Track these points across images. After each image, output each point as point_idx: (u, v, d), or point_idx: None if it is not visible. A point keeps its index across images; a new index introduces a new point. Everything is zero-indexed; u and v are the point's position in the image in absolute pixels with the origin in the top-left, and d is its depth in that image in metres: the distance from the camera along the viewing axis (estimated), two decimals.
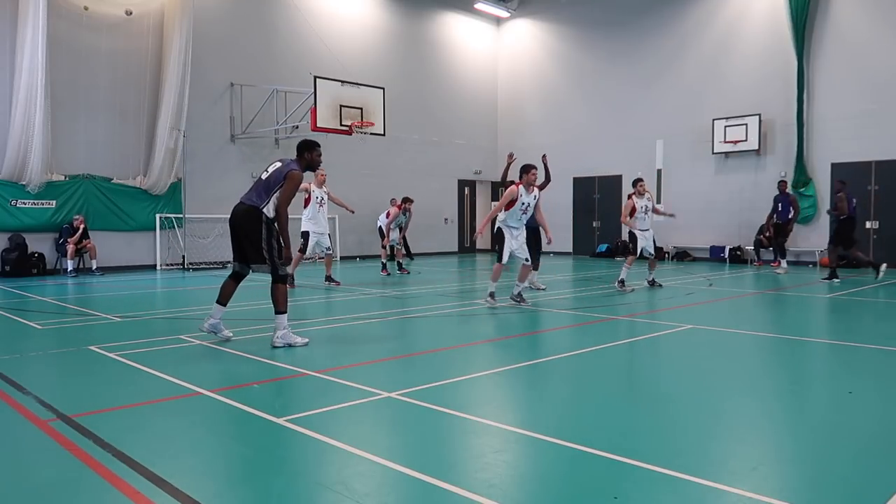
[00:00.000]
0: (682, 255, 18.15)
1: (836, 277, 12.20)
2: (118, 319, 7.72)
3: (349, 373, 5.03)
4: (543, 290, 10.62)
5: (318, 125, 14.83)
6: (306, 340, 6.07)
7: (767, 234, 15.57)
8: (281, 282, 6.01)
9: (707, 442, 3.56)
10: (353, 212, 12.84)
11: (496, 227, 8.81)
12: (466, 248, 22.18)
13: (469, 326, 7.61)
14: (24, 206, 13.48)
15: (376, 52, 19.47)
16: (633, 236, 10.97)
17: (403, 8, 20.27)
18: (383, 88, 16.20)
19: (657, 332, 6.97)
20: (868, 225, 15.42)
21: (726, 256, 17.31)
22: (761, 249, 16.23)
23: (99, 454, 3.27)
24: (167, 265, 15.17)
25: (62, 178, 13.96)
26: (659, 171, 18.75)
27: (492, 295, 8.77)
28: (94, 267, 13.72)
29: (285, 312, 6.02)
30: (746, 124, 16.82)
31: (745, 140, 16.86)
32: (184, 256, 14.86)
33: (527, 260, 8.77)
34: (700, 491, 2.86)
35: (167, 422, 3.90)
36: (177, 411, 4.12)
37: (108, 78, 14.49)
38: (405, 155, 20.02)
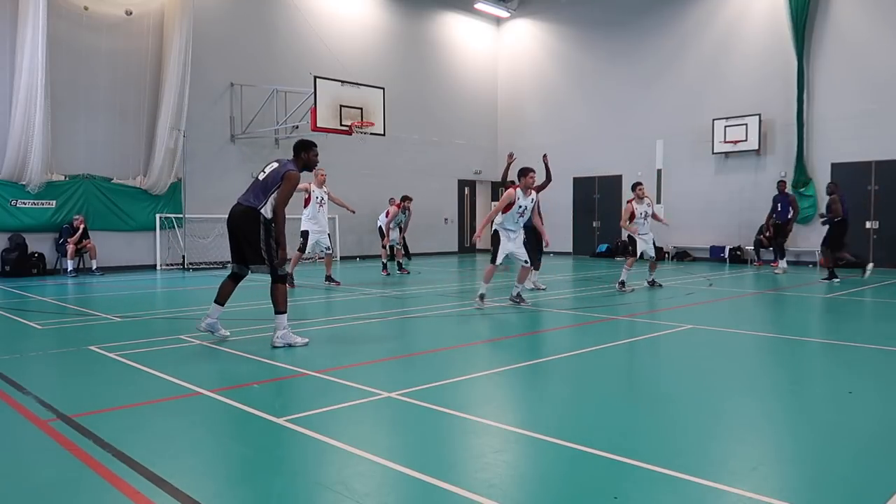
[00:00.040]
0: (682, 255, 18.15)
1: (836, 277, 12.20)
2: (118, 319, 7.72)
3: (349, 373, 5.03)
4: (544, 290, 10.63)
5: (318, 125, 14.83)
6: (306, 340, 6.07)
7: (767, 234, 15.56)
8: (280, 282, 6.01)
9: (707, 442, 3.56)
10: (353, 212, 12.85)
11: (493, 229, 8.80)
12: (466, 248, 22.17)
13: (469, 326, 7.61)
14: (24, 206, 13.48)
15: (376, 52, 19.47)
16: (632, 239, 10.97)
17: (403, 8, 20.27)
18: (383, 88, 16.20)
19: (657, 332, 6.97)
20: (868, 225, 15.42)
21: (726, 256, 17.30)
22: (761, 249, 16.23)
23: (99, 454, 3.27)
24: (167, 265, 15.17)
25: (62, 178, 13.96)
26: (659, 171, 18.76)
27: (481, 297, 8.69)
28: (94, 267, 13.72)
29: (285, 312, 6.02)
30: (746, 124, 16.82)
31: (745, 140, 16.86)
32: (184, 256, 14.87)
33: (526, 262, 8.77)
34: (700, 491, 2.86)
35: (167, 422, 3.90)
36: (177, 411, 4.12)
37: (108, 78, 14.49)
38: (405, 155, 20.02)
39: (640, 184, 11.03)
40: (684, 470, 3.05)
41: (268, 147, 16.95)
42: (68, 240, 13.42)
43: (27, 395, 4.38)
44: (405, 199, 14.03)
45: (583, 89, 20.61)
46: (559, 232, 20.13)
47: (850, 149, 15.57)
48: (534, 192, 8.74)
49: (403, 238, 14.95)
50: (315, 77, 15.15)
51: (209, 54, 15.82)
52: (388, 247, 13.95)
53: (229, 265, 6.24)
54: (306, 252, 11.34)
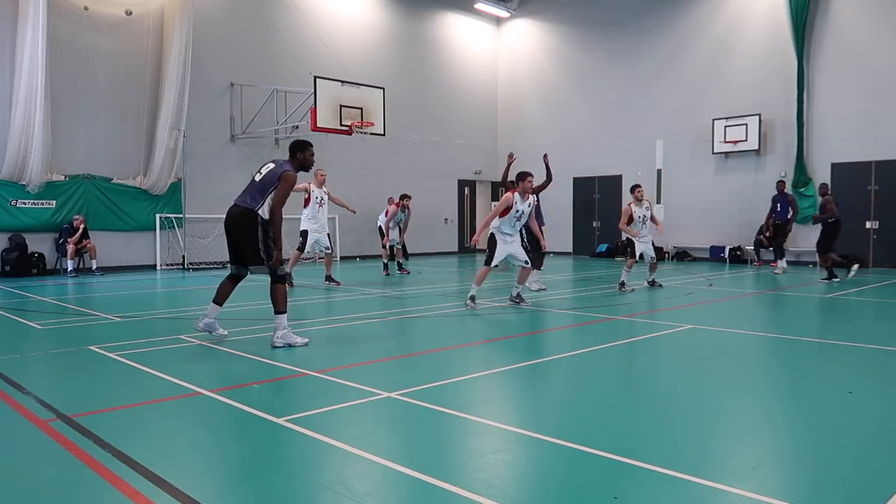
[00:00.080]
0: (682, 255, 18.15)
1: (836, 277, 12.20)
2: (118, 319, 7.72)
3: (349, 373, 5.03)
4: (544, 290, 10.62)
5: (318, 125, 14.83)
6: (306, 340, 6.08)
7: (767, 234, 15.56)
8: (280, 282, 6.01)
9: (707, 442, 3.56)
10: (354, 212, 12.85)
11: (490, 232, 8.79)
12: (466, 248, 22.17)
13: (469, 326, 7.61)
14: (24, 206, 13.48)
15: (376, 52, 19.47)
16: (630, 240, 10.94)
17: (403, 8, 20.27)
18: (383, 88, 16.20)
19: (657, 332, 6.97)
20: (868, 225, 15.42)
21: (726, 256, 17.30)
22: (761, 249, 16.23)
23: (99, 454, 3.27)
24: (167, 265, 15.17)
25: (62, 178, 13.96)
26: (659, 171, 18.75)
27: (472, 298, 8.63)
28: (94, 267, 13.72)
29: (285, 312, 6.02)
30: (746, 124, 16.82)
31: (745, 140, 16.86)
32: (184, 256, 14.87)
33: (526, 263, 8.77)
34: (700, 491, 2.86)
35: (167, 422, 3.90)
36: (177, 411, 4.12)
37: (108, 78, 14.49)
38: (405, 155, 20.02)
39: (638, 186, 10.97)
40: (684, 470, 3.05)
41: (268, 147, 16.95)
42: (68, 240, 13.42)
43: (27, 395, 4.38)
44: (404, 197, 14.02)
45: (583, 89, 20.61)
46: (559, 232, 20.14)
47: (850, 149, 15.57)
48: (531, 196, 8.73)
49: (403, 239, 14.95)
50: (315, 77, 15.15)
51: (209, 54, 15.82)
52: (387, 246, 13.95)
53: (229, 266, 6.24)
54: (305, 251, 11.33)
